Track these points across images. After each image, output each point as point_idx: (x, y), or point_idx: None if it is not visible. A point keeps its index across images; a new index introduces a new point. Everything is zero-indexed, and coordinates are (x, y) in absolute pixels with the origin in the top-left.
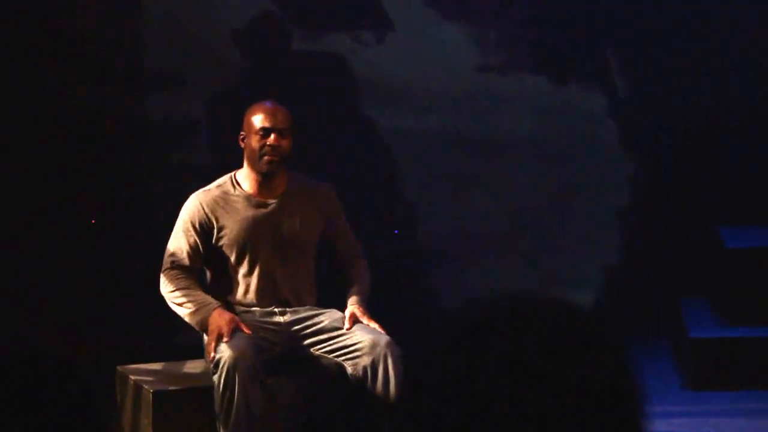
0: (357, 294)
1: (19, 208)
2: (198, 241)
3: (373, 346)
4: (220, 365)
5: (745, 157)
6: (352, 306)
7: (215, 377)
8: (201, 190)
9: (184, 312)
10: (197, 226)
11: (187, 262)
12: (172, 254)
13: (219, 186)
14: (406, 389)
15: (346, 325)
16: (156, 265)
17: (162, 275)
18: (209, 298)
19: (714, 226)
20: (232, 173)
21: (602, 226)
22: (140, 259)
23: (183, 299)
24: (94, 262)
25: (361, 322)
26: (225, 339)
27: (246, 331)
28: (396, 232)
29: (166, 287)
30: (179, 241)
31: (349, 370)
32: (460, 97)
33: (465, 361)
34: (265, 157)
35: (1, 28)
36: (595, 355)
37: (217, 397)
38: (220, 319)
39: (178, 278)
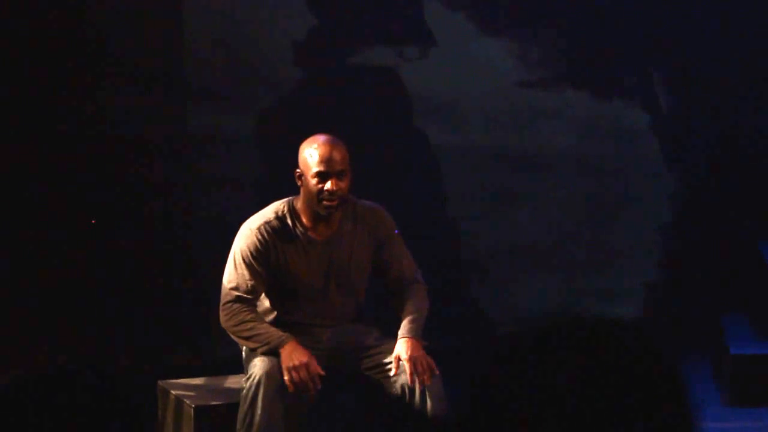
0: (408, 325)
1: (59, 222)
2: (261, 273)
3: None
4: (250, 380)
5: None
6: (401, 343)
7: (243, 392)
8: (261, 221)
9: (254, 346)
10: (260, 258)
11: (250, 295)
12: (236, 287)
13: (278, 217)
14: (445, 407)
15: (392, 371)
16: (197, 278)
17: (224, 309)
18: (278, 331)
19: (755, 242)
20: (290, 201)
21: (644, 242)
22: (180, 274)
23: (251, 333)
24: (135, 277)
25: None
26: (316, 381)
27: (319, 370)
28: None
29: (230, 320)
30: (242, 273)
31: (388, 387)
32: (503, 112)
33: (516, 377)
34: (324, 202)
35: (49, 43)
36: (648, 371)
37: (240, 410)
38: (301, 354)
39: (243, 311)
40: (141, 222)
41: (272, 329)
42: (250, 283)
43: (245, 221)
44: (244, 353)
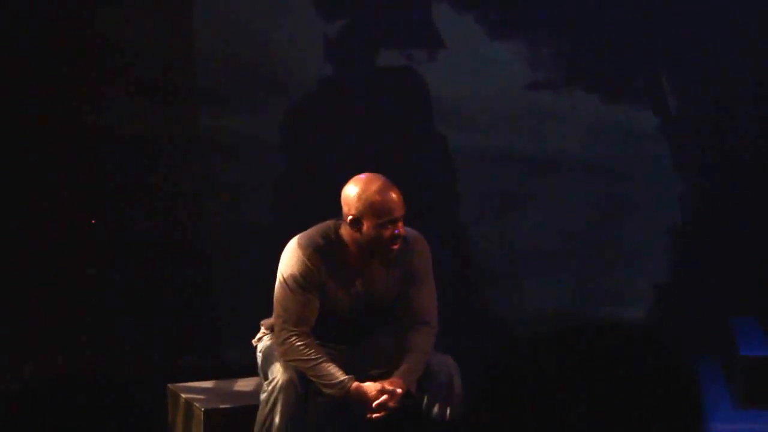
0: (405, 372)
1: (72, 226)
2: (314, 298)
3: (433, 366)
4: (271, 385)
5: None
6: (392, 380)
7: (263, 396)
8: (311, 245)
9: (319, 385)
10: (312, 284)
11: (305, 325)
12: (288, 318)
13: (327, 242)
14: (463, 408)
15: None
16: (208, 282)
17: (282, 343)
18: (337, 373)
19: (765, 244)
20: (336, 226)
21: (653, 244)
22: (191, 278)
23: (313, 373)
24: (146, 280)
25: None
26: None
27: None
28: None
29: (287, 356)
30: (296, 301)
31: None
32: (512, 115)
33: (527, 379)
34: (393, 246)
35: (63, 50)
36: (659, 373)
37: (260, 414)
38: (364, 394)
39: (299, 347)
40: (153, 225)
41: (331, 369)
42: (303, 312)
43: (293, 238)
44: (259, 357)
